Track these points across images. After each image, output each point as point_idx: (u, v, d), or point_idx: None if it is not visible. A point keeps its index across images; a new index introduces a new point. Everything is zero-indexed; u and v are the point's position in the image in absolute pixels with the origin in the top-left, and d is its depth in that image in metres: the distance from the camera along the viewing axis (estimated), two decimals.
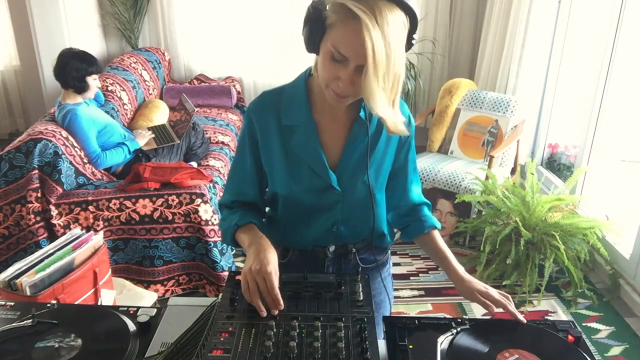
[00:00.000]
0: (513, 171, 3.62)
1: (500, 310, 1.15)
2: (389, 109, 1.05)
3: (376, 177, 1.25)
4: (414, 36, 1.06)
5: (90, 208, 2.57)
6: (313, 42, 1.06)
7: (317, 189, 1.22)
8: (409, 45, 1.07)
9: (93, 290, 1.70)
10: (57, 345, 1.02)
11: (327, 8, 1.02)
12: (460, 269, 1.23)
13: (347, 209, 1.26)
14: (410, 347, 1.02)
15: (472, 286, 1.18)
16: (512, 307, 1.13)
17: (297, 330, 0.98)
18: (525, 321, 1.11)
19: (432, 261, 2.30)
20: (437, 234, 1.32)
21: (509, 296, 1.16)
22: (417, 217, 1.34)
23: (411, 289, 2.88)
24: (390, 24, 0.98)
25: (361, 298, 1.09)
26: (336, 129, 1.21)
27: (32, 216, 2.54)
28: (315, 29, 1.04)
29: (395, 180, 1.31)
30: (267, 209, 1.36)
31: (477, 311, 2.64)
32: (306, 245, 1.32)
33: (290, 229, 1.31)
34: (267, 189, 1.32)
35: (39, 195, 2.55)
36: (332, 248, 1.31)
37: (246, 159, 1.26)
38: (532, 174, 3.03)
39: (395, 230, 1.42)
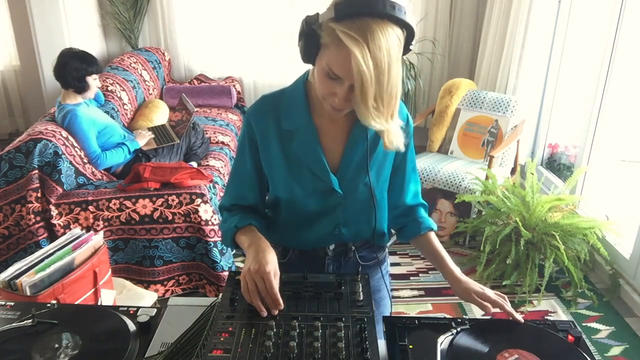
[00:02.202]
0: (513, 171, 3.62)
1: (497, 310, 1.15)
2: (386, 125, 1.06)
3: (377, 178, 1.25)
4: (412, 42, 1.06)
5: (90, 208, 2.57)
6: (308, 56, 1.07)
7: (319, 192, 1.23)
8: (406, 51, 1.07)
9: (93, 290, 1.69)
10: (57, 345, 1.02)
11: (321, 27, 1.02)
12: (457, 270, 1.23)
13: (349, 211, 1.26)
14: (410, 347, 1.02)
15: (468, 287, 1.18)
16: (509, 307, 1.13)
17: (297, 330, 0.98)
18: (522, 321, 1.12)
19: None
20: (433, 236, 1.32)
21: (505, 296, 1.17)
22: (414, 218, 1.34)
23: (411, 289, 2.88)
24: (382, 47, 0.98)
25: (361, 298, 1.09)
26: (336, 131, 1.21)
27: (32, 216, 2.54)
28: (310, 45, 1.05)
29: (393, 179, 1.31)
30: (267, 211, 1.36)
31: (477, 311, 2.64)
32: (307, 246, 1.32)
33: (291, 231, 1.31)
34: (267, 193, 1.32)
35: (39, 195, 2.55)
36: (332, 247, 1.31)
37: (246, 163, 1.26)
38: (532, 174, 3.03)
39: (392, 231, 1.42)
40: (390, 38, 0.99)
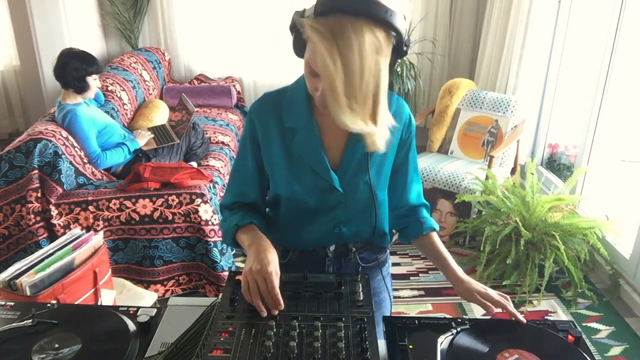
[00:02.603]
0: (513, 171, 3.62)
1: (500, 310, 1.15)
2: (362, 126, 1.04)
3: (378, 176, 1.25)
4: (408, 45, 1.05)
5: (90, 208, 2.57)
6: (297, 51, 1.09)
7: (319, 190, 1.23)
8: (399, 54, 1.06)
9: (93, 290, 1.70)
10: (57, 345, 1.02)
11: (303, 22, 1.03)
12: (459, 271, 1.23)
13: (350, 210, 1.26)
14: (410, 347, 1.02)
15: (471, 287, 1.18)
16: (511, 307, 1.13)
17: (297, 330, 0.98)
18: (525, 321, 1.12)
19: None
20: (435, 236, 1.32)
21: (508, 297, 1.17)
22: (416, 218, 1.34)
23: (411, 289, 2.88)
24: (353, 45, 0.97)
25: (361, 298, 1.09)
26: (337, 130, 1.20)
27: (32, 216, 2.54)
28: (297, 40, 1.07)
29: (395, 179, 1.31)
30: (267, 209, 1.36)
31: (477, 311, 2.64)
32: (307, 246, 1.32)
33: (291, 230, 1.31)
34: (268, 191, 1.32)
35: (39, 195, 2.55)
36: (332, 247, 1.31)
37: (247, 161, 1.26)
38: (532, 174, 3.03)
39: (393, 231, 1.42)
40: (364, 38, 0.97)
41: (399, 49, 1.05)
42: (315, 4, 1.00)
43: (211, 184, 2.86)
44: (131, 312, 1.15)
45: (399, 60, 1.04)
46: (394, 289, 2.83)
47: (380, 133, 1.08)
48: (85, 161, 2.84)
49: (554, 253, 2.70)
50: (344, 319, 1.02)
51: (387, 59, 1.03)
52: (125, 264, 2.68)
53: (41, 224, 2.57)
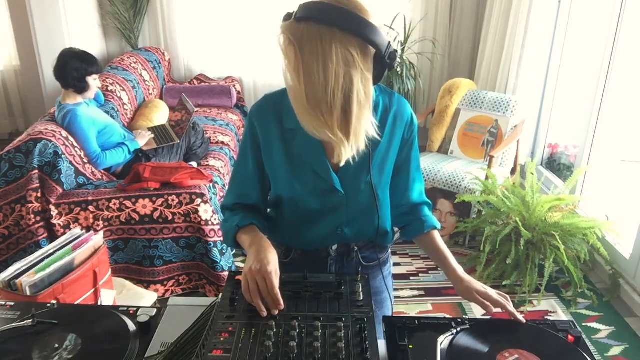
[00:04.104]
0: (513, 171, 3.62)
1: (499, 310, 1.15)
2: (329, 136, 1.03)
3: (379, 176, 1.25)
4: (391, 55, 1.03)
5: (90, 208, 2.57)
6: None
7: (321, 191, 1.23)
8: (384, 67, 1.04)
9: (93, 290, 1.70)
10: (57, 345, 1.02)
11: None
12: (459, 270, 1.23)
13: (351, 211, 1.26)
14: (410, 347, 1.02)
15: (470, 286, 1.18)
16: (511, 307, 1.13)
17: (297, 330, 0.98)
18: (524, 321, 1.12)
19: (432, 261, 2.33)
20: (437, 234, 1.32)
21: (507, 296, 1.17)
22: (418, 216, 1.34)
23: (411, 289, 2.88)
24: (318, 54, 0.97)
25: (361, 298, 1.09)
26: None
27: (32, 216, 2.53)
28: None
29: (397, 177, 1.31)
30: (269, 210, 1.36)
31: (477, 311, 2.64)
32: (310, 247, 1.32)
33: (294, 231, 1.32)
34: (270, 192, 1.32)
35: (39, 195, 2.55)
36: (334, 247, 1.31)
37: (248, 162, 1.26)
38: (532, 174, 3.03)
39: (395, 229, 1.42)
40: (332, 49, 0.97)
41: (383, 62, 1.03)
42: (297, 8, 1.00)
43: (211, 184, 2.86)
44: (131, 312, 1.16)
45: (399, 61, 1.04)
46: (394, 289, 2.83)
47: (350, 147, 1.06)
48: (85, 161, 2.84)
49: (554, 253, 2.70)
50: (344, 319, 1.02)
51: (364, 72, 1.01)
52: (125, 264, 2.68)
53: (41, 224, 2.57)
